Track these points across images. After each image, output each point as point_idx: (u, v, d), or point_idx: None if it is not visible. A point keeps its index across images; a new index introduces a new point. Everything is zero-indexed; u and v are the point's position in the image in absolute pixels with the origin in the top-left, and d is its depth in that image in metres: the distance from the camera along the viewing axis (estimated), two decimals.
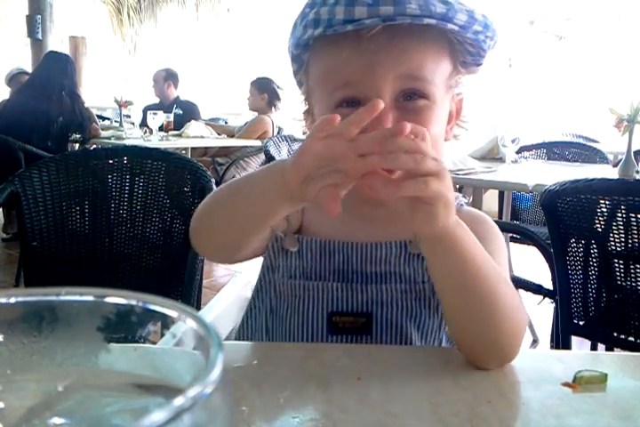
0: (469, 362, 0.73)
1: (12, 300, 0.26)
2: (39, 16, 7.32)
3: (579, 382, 0.67)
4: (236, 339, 0.96)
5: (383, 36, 0.75)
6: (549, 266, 1.63)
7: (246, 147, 4.95)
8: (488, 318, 0.73)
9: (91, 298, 0.27)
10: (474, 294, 0.73)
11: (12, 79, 5.31)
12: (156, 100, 5.93)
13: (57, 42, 7.68)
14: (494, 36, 0.82)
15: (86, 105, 4.63)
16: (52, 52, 5.04)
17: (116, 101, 5.20)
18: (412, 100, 0.79)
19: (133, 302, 0.27)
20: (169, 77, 5.84)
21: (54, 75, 4.39)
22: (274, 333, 0.90)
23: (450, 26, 0.75)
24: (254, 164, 5.14)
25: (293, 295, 0.88)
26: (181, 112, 5.58)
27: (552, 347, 1.70)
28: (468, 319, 0.75)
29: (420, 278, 0.87)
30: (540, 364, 0.74)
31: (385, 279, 0.87)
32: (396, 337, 0.86)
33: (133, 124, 5.00)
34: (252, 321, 0.95)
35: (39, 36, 7.30)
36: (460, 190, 3.10)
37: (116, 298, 0.27)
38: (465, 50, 0.82)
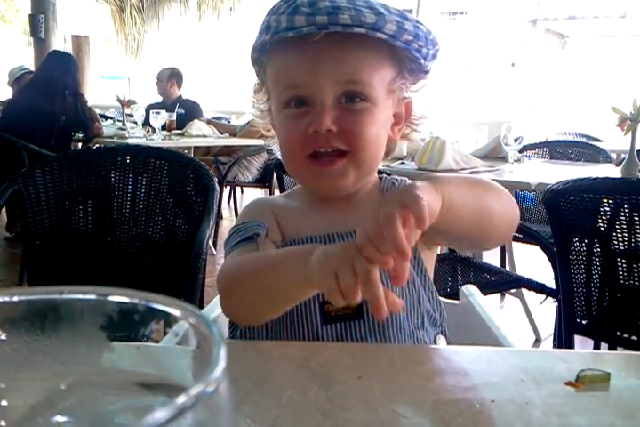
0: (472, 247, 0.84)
1: (15, 298, 0.26)
2: (42, 15, 7.33)
3: (582, 382, 0.67)
4: (236, 337, 0.97)
5: (325, 43, 0.84)
6: (552, 265, 1.63)
7: (249, 146, 4.95)
8: (490, 221, 0.85)
9: (93, 297, 0.27)
10: (482, 211, 0.83)
11: (16, 79, 5.31)
12: (159, 99, 5.93)
13: (60, 41, 7.69)
14: (429, 46, 0.90)
15: (89, 104, 4.64)
16: (54, 51, 5.04)
17: (119, 100, 5.21)
18: (352, 102, 0.88)
19: (136, 301, 0.27)
20: (173, 76, 5.85)
21: (57, 74, 4.39)
22: (272, 329, 0.93)
23: (378, 35, 0.83)
24: (257, 163, 5.14)
25: None
26: (184, 111, 5.58)
27: (555, 346, 1.70)
28: (477, 228, 0.85)
29: None
30: (543, 363, 0.74)
31: None
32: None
33: (136, 123, 5.00)
34: (246, 327, 0.97)
35: (42, 36, 7.32)
36: None
37: (119, 297, 0.27)
38: (407, 57, 0.90)
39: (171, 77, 5.83)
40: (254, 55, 0.94)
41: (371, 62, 0.88)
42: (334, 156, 0.88)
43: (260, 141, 4.74)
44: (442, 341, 0.95)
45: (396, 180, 1.01)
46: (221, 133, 5.22)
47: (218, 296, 1.09)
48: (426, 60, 0.92)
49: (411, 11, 8.50)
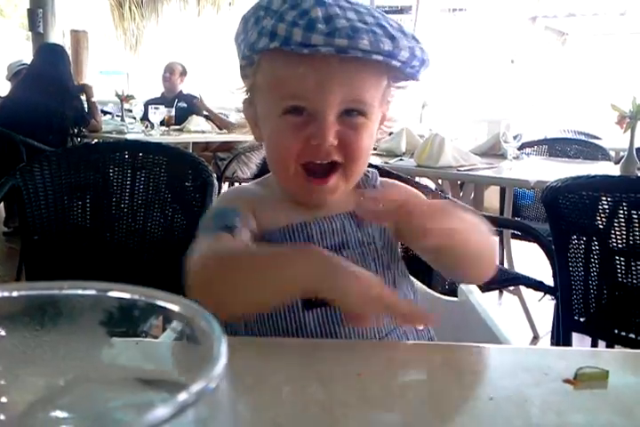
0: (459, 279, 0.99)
1: (15, 293, 0.26)
2: (41, 10, 7.31)
3: (580, 379, 0.67)
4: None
5: (335, 60, 0.83)
6: (550, 263, 1.63)
7: (247, 142, 4.95)
8: (475, 257, 0.90)
9: (93, 292, 0.27)
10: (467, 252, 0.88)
11: (15, 73, 5.30)
12: (157, 95, 5.93)
13: (58, 36, 7.67)
14: (426, 67, 0.92)
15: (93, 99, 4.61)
16: (45, 44, 5.02)
17: (118, 96, 5.20)
18: (351, 116, 0.89)
19: (136, 297, 0.26)
20: (184, 73, 5.89)
21: (50, 67, 4.37)
22: (250, 321, 0.92)
23: (394, 62, 0.85)
24: (255, 158, 5.13)
25: None
26: (185, 105, 5.59)
27: (553, 344, 1.70)
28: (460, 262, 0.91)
29: (371, 240, 0.97)
30: (542, 360, 0.74)
31: (345, 246, 0.95)
32: None
33: (135, 118, 4.99)
34: None
35: (40, 30, 7.29)
36: (461, 187, 3.10)
37: (119, 292, 0.27)
38: (400, 72, 0.91)
39: (182, 73, 5.87)
40: (249, 53, 0.91)
41: (372, 82, 0.89)
42: (327, 169, 0.90)
43: None
44: None
45: (367, 171, 1.03)
46: (219, 128, 5.22)
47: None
48: (415, 77, 0.94)
49: (410, 7, 8.48)
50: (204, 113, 5.52)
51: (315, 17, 0.82)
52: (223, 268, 0.82)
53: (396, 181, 1.09)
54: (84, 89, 4.63)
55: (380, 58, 0.83)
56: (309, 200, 0.95)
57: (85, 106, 4.50)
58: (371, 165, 1.04)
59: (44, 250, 1.78)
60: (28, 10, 7.51)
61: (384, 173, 1.43)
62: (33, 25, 7.35)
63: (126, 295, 0.26)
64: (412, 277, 1.05)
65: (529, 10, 9.94)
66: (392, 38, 0.83)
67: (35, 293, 0.26)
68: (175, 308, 0.25)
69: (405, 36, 0.85)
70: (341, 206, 0.97)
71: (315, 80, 0.85)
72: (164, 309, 0.26)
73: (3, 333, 0.28)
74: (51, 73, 4.33)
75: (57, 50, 4.68)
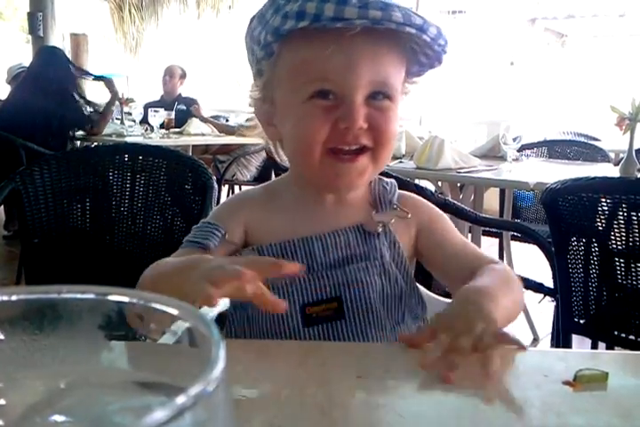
0: None
1: (14, 297, 0.26)
2: (40, 13, 7.32)
3: (579, 381, 0.67)
4: None
5: (362, 39, 0.82)
6: (550, 264, 1.63)
7: (247, 144, 4.95)
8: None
9: (92, 296, 0.27)
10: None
11: (14, 76, 5.30)
12: (157, 97, 5.94)
13: (58, 39, 7.67)
14: (447, 52, 0.91)
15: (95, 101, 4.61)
16: (44, 47, 5.03)
17: (117, 99, 5.20)
18: (377, 99, 0.87)
19: (134, 300, 0.27)
20: (184, 75, 5.92)
21: (48, 69, 4.37)
22: (252, 333, 0.93)
23: (424, 37, 0.83)
24: (255, 161, 5.14)
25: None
26: (185, 108, 5.60)
27: (552, 345, 1.70)
28: None
29: (378, 254, 0.95)
30: (541, 363, 0.74)
31: (348, 262, 0.93)
32: (366, 315, 0.92)
33: (134, 121, 5.00)
34: (233, 327, 0.97)
35: (40, 34, 7.30)
36: (461, 189, 3.10)
37: (118, 296, 0.27)
38: (417, 61, 0.91)
39: (182, 76, 5.90)
40: (271, 39, 0.85)
41: (396, 64, 0.88)
42: (355, 154, 0.88)
43: (258, 140, 4.73)
44: None
45: (386, 183, 1.02)
46: (219, 131, 5.22)
47: None
48: (440, 58, 0.92)
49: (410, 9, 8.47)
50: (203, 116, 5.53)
51: None
52: (149, 284, 0.85)
53: (414, 195, 1.06)
54: (111, 96, 4.62)
55: (412, 31, 0.81)
56: (337, 184, 0.92)
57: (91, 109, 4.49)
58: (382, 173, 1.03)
59: (43, 253, 1.78)
60: (28, 13, 7.52)
61: (383, 175, 1.43)
62: (33, 28, 7.36)
63: (125, 299, 0.27)
64: (418, 286, 1.03)
65: (528, 12, 9.96)
66: (420, 15, 0.83)
67: (34, 296, 0.26)
68: (174, 311, 0.26)
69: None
70: (348, 219, 0.96)
71: (343, 61, 0.83)
72: (163, 312, 0.26)
73: (2, 336, 0.28)
74: (49, 75, 4.33)
75: (55, 52, 4.68)
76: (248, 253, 0.93)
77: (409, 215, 0.98)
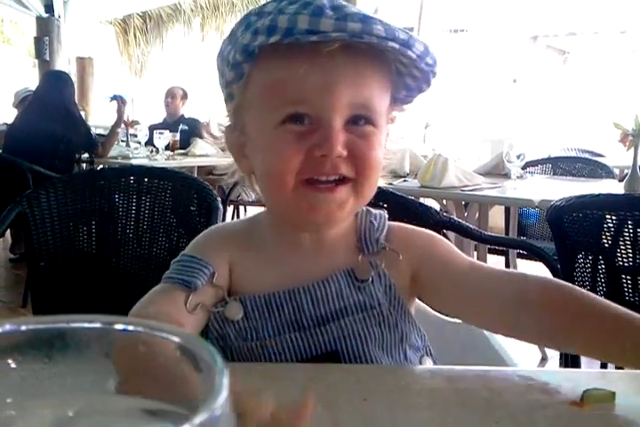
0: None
1: (23, 327, 0.27)
2: (47, 38, 7.43)
3: (587, 401, 0.67)
4: None
5: (341, 56, 0.74)
6: None
7: None
8: None
9: (99, 325, 0.27)
10: None
11: (21, 100, 5.36)
12: (161, 119, 5.99)
13: (64, 62, 7.77)
14: (436, 74, 0.82)
15: (92, 123, 4.66)
16: (50, 71, 5.09)
17: (123, 121, 5.24)
18: (359, 124, 0.78)
19: (140, 329, 0.27)
20: (185, 96, 5.97)
21: (55, 93, 4.42)
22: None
23: (409, 53, 0.75)
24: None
25: (252, 356, 0.84)
26: (187, 128, 5.65)
27: (561, 365, 1.69)
28: None
29: (375, 302, 0.85)
30: (548, 383, 0.74)
31: (342, 314, 0.84)
32: (365, 364, 0.84)
33: (140, 143, 5.03)
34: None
35: (47, 58, 7.41)
36: (465, 207, 3.11)
37: (123, 325, 0.27)
38: (403, 84, 0.83)
39: (184, 97, 5.95)
40: (240, 58, 0.76)
41: (380, 86, 0.79)
42: (333, 182, 0.78)
43: None
44: (428, 361, 0.90)
45: (374, 217, 0.90)
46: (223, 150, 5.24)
47: None
48: (428, 80, 0.82)
49: (412, 28, 8.56)
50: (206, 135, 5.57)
51: (321, 4, 0.73)
52: None
53: (403, 227, 0.94)
54: (117, 119, 4.67)
55: (396, 46, 0.73)
56: (314, 218, 0.80)
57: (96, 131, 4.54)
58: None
59: (50, 276, 1.78)
60: (35, 38, 7.63)
61: (388, 194, 1.44)
62: (39, 52, 7.46)
63: (131, 328, 0.27)
64: (420, 304, 0.95)
65: (530, 29, 10.03)
66: (404, 31, 0.74)
67: (42, 326, 0.27)
68: (177, 340, 0.26)
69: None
70: (334, 262, 0.86)
71: (319, 80, 0.74)
72: (167, 340, 0.26)
73: (13, 365, 0.28)
74: (55, 99, 4.38)
75: (61, 76, 4.74)
76: (232, 307, 0.83)
77: (400, 257, 0.87)
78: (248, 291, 0.85)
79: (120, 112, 4.73)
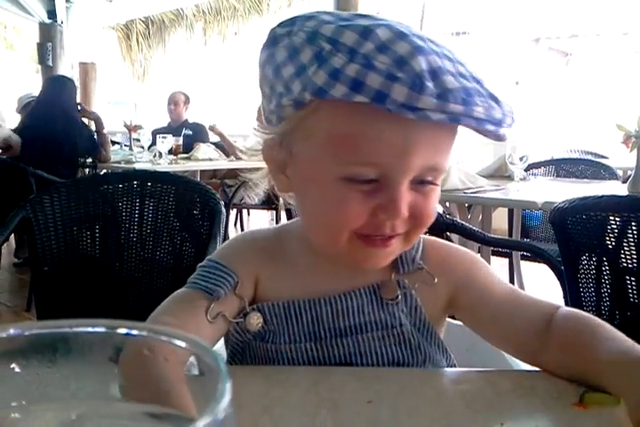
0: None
1: (27, 332, 0.27)
2: (50, 43, 7.47)
3: (587, 402, 0.66)
4: None
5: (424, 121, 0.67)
6: (561, 284, 1.62)
7: (255, 169, 4.97)
8: None
9: (102, 329, 0.27)
10: None
11: (24, 106, 5.38)
12: (164, 124, 6.01)
13: (67, 68, 7.80)
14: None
15: (95, 128, 4.67)
16: (52, 76, 5.11)
17: (126, 126, 5.26)
18: (424, 184, 0.74)
19: (143, 333, 0.27)
20: (187, 101, 6.00)
21: (57, 98, 4.44)
22: None
23: (501, 131, 0.70)
24: (263, 185, 5.15)
25: (267, 357, 0.83)
26: (191, 133, 5.66)
27: None
28: None
29: (397, 322, 0.83)
30: (552, 384, 0.74)
31: (361, 330, 0.82)
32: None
33: (143, 147, 5.05)
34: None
35: (50, 63, 7.44)
36: (469, 209, 3.10)
37: (127, 329, 0.27)
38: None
39: (186, 102, 5.97)
40: (308, 96, 0.68)
41: (451, 147, 0.74)
42: (387, 237, 0.75)
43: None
44: None
45: None
46: (227, 156, 5.26)
47: None
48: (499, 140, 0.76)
49: None
50: (210, 141, 5.58)
51: (419, 70, 0.64)
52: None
53: (444, 245, 0.91)
54: (95, 122, 4.69)
55: (491, 128, 0.68)
56: (363, 265, 0.80)
57: (95, 137, 4.55)
58: None
59: (53, 281, 1.78)
60: (38, 43, 7.66)
61: None
62: (42, 58, 7.49)
63: (134, 332, 0.27)
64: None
65: (532, 31, 10.03)
66: (496, 100, 0.69)
67: (46, 331, 0.27)
68: (181, 344, 0.26)
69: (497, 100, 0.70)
70: (363, 278, 0.84)
71: (400, 144, 0.68)
72: (171, 344, 0.27)
73: (17, 369, 0.28)
74: (58, 104, 4.40)
75: (63, 81, 4.75)
76: (253, 315, 0.82)
77: (435, 280, 0.85)
78: (269, 299, 0.83)
79: (93, 115, 4.73)
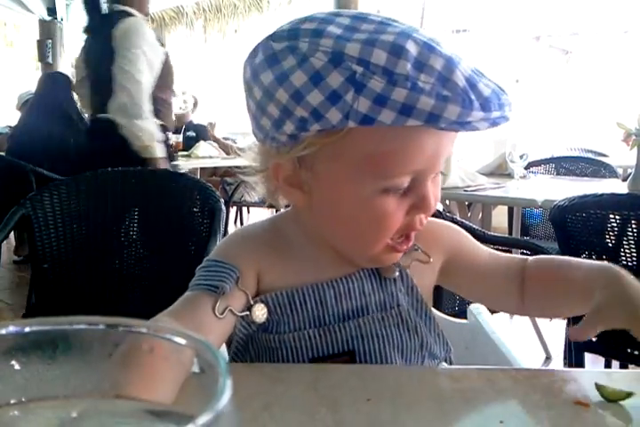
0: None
1: (27, 329, 0.27)
2: (50, 41, 7.46)
3: (601, 392, 0.67)
4: None
5: None
6: None
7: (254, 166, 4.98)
8: None
9: (102, 327, 0.27)
10: None
11: (24, 103, 5.37)
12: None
13: (67, 65, 7.79)
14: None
15: None
16: (47, 73, 5.09)
17: None
18: (435, 174, 0.78)
19: (143, 330, 0.27)
20: (196, 104, 6.09)
21: (53, 94, 4.43)
22: None
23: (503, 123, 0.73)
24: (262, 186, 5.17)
25: (269, 347, 0.83)
26: (194, 134, 5.69)
27: (565, 364, 1.69)
28: None
29: (395, 302, 0.86)
30: (553, 382, 0.74)
31: (362, 312, 0.85)
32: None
33: None
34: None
35: (50, 60, 7.43)
36: (469, 207, 3.10)
37: (127, 327, 0.27)
38: None
39: (194, 105, 6.06)
40: (350, 124, 0.67)
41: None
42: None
43: None
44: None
45: None
46: (227, 153, 5.27)
47: None
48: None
49: None
50: (211, 139, 5.61)
51: (463, 86, 0.66)
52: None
53: (433, 221, 0.92)
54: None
55: (505, 122, 0.72)
56: (383, 264, 0.85)
57: None
58: None
59: (53, 278, 1.79)
60: (38, 41, 7.66)
61: None
62: (42, 55, 7.49)
63: (134, 329, 0.27)
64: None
65: (532, 29, 10.02)
66: (501, 88, 0.72)
67: (46, 328, 0.27)
68: (181, 341, 0.26)
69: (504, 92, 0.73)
70: None
71: (434, 150, 0.72)
72: (170, 341, 0.27)
73: (16, 366, 0.28)
74: (54, 101, 4.39)
75: (58, 78, 4.74)
76: (257, 307, 0.82)
77: (430, 259, 0.89)
78: (272, 290, 0.84)
79: None
